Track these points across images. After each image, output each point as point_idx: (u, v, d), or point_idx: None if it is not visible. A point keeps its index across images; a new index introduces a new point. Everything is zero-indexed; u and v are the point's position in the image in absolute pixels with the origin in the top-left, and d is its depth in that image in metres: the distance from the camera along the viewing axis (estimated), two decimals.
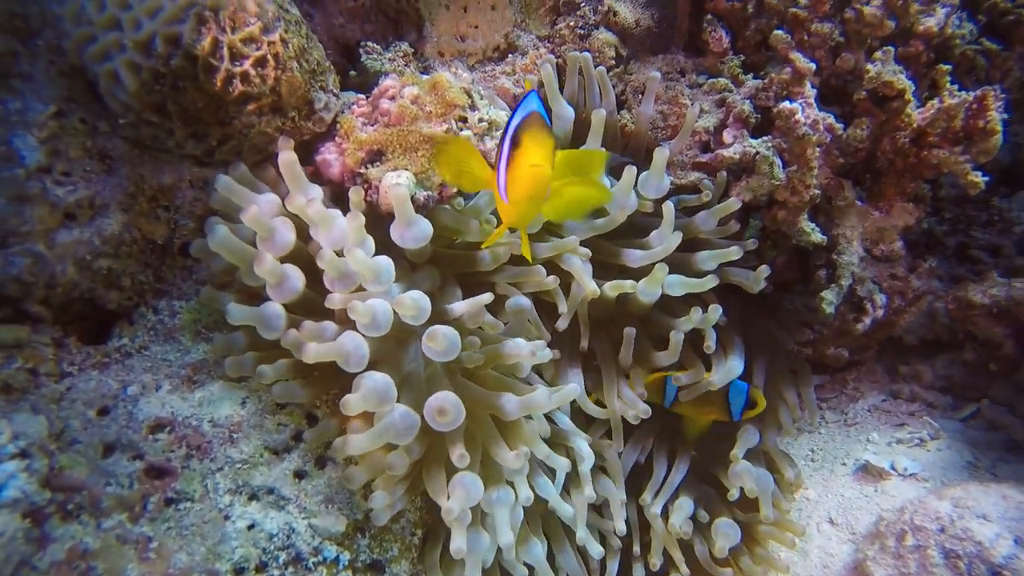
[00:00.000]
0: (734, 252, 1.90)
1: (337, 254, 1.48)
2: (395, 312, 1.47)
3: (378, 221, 1.61)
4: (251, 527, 1.39)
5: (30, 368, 1.38)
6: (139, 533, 1.28)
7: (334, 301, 1.49)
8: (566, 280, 1.82)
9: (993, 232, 2.57)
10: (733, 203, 1.93)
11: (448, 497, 1.45)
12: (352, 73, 2.02)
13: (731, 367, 1.92)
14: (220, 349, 1.57)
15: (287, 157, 1.52)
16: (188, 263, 1.65)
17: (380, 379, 1.44)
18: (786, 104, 1.83)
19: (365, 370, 1.45)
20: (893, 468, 2.05)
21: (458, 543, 1.43)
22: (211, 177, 1.63)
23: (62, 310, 1.49)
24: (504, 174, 1.22)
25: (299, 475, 1.49)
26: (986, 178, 1.81)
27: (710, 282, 1.83)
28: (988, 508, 1.62)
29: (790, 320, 2.30)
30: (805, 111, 1.83)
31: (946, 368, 2.35)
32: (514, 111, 1.29)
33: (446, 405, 1.41)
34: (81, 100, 1.50)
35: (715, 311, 1.82)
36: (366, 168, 1.63)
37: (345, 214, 1.59)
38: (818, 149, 1.83)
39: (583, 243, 1.85)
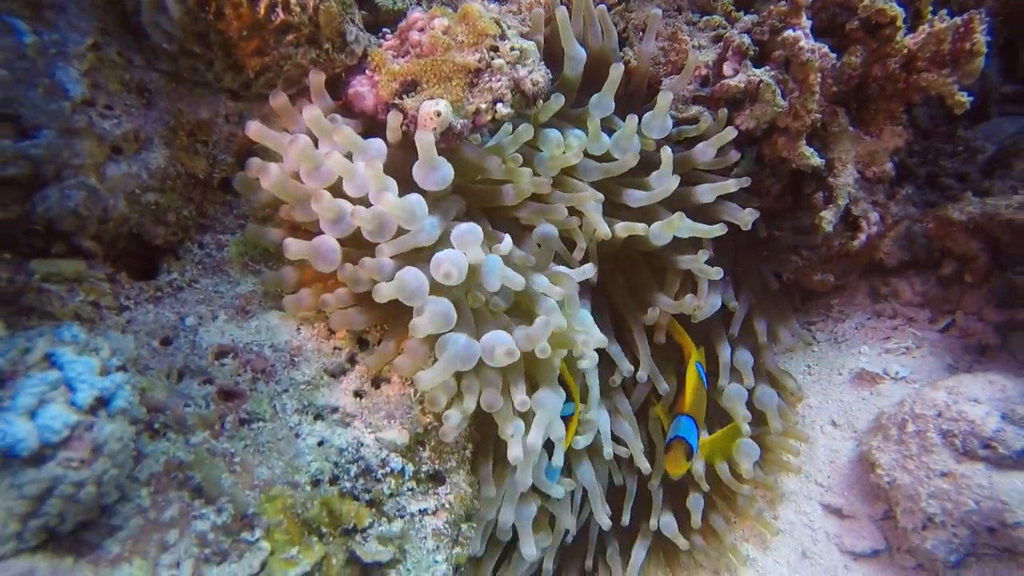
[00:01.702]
0: (731, 185, 2.01)
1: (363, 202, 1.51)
2: None
3: (414, 151, 1.65)
4: (321, 443, 1.45)
5: (92, 301, 1.39)
6: (223, 449, 1.33)
7: (384, 253, 1.52)
8: (578, 216, 1.91)
9: (959, 161, 2.76)
10: (729, 132, 2.04)
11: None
12: (363, 12, 2.02)
13: (712, 303, 2.09)
14: (271, 283, 1.60)
15: (312, 113, 1.53)
16: (228, 197, 1.67)
17: (443, 303, 1.51)
18: (789, 32, 1.93)
19: None
20: (886, 373, 2.23)
21: (515, 451, 1.53)
22: (246, 111, 1.64)
23: (111, 245, 1.49)
24: None
25: (359, 394, 1.55)
26: (971, 98, 1.96)
27: (718, 230, 1.96)
28: (977, 392, 1.80)
29: (779, 250, 2.45)
30: (806, 39, 1.94)
31: (923, 285, 2.54)
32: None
33: (511, 347, 1.50)
34: (115, 32, 1.48)
35: (717, 273, 2.00)
36: (401, 99, 1.66)
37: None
38: (819, 75, 1.95)
39: (592, 184, 1.94)
